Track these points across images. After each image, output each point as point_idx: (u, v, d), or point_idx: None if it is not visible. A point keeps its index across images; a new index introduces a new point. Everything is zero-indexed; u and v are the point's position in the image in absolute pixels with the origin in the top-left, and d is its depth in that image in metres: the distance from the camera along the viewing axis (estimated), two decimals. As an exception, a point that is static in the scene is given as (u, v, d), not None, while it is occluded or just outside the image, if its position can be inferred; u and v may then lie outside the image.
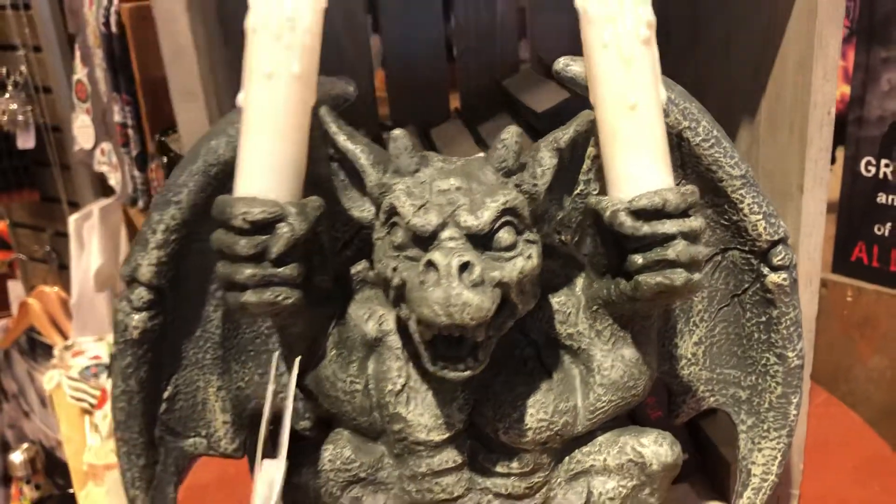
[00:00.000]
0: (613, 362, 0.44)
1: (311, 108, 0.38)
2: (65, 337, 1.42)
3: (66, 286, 1.47)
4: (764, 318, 0.50)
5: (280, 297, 0.38)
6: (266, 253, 0.38)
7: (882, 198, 0.71)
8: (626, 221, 0.38)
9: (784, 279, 0.48)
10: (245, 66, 0.38)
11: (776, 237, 0.47)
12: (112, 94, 1.06)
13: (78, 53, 1.22)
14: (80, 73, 1.22)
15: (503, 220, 0.37)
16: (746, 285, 0.50)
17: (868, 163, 0.71)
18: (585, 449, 0.46)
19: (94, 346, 1.34)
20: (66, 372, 1.23)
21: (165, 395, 0.48)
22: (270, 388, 0.41)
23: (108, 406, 1.37)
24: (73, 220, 1.44)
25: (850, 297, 0.74)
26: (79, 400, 1.23)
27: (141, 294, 0.44)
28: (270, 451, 0.44)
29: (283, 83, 0.37)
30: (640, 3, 0.36)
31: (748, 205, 0.47)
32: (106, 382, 1.41)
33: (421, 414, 0.41)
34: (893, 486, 0.67)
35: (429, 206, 0.37)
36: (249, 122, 0.37)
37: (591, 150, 0.43)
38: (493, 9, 0.75)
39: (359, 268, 0.45)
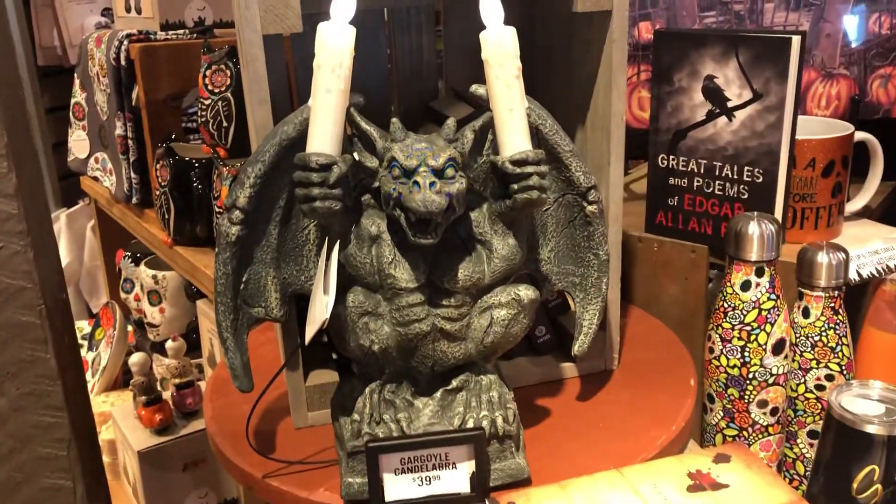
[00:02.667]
0: (504, 246, 0.68)
1: (346, 108, 0.67)
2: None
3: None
4: (586, 233, 0.75)
5: (333, 205, 0.64)
6: (326, 181, 0.63)
7: (672, 181, 0.97)
8: (509, 167, 0.65)
9: (596, 208, 0.74)
10: (313, 85, 0.65)
11: (590, 184, 0.73)
12: (117, 113, 1.29)
13: (77, 81, 1.44)
14: (80, 96, 1.42)
15: (449, 163, 0.62)
16: (576, 214, 0.75)
17: (662, 158, 0.97)
18: (489, 294, 0.68)
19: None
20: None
21: (244, 279, 0.71)
22: (323, 262, 0.69)
23: (87, 373, 1.59)
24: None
25: (656, 248, 0.99)
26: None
27: (237, 214, 0.68)
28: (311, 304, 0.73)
29: (335, 95, 0.64)
30: (514, 56, 0.67)
31: (574, 166, 0.73)
32: (87, 355, 1.63)
33: (402, 273, 0.66)
34: (676, 353, 0.92)
35: (412, 156, 0.64)
36: (316, 115, 0.65)
37: (488, 138, 0.72)
38: (420, 56, 1.03)
39: (365, 197, 0.69)
